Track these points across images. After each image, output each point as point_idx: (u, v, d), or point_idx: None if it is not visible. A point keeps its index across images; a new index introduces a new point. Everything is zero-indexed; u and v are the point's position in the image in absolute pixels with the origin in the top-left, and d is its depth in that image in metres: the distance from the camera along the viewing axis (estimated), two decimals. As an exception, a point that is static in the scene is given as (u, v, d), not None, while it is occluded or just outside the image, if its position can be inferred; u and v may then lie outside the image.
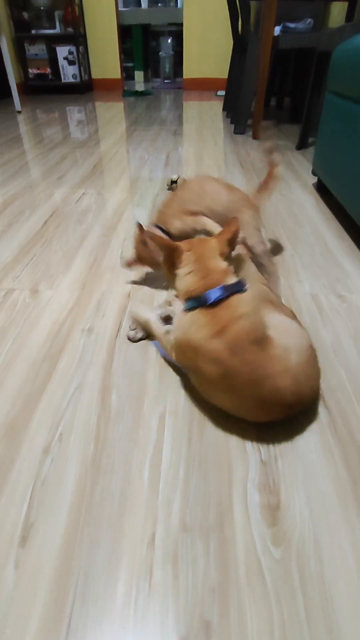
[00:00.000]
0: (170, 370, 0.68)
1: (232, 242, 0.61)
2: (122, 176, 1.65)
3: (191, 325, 0.55)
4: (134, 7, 5.03)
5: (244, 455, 0.54)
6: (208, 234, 0.78)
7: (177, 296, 0.64)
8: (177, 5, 4.99)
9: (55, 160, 1.89)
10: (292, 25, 3.29)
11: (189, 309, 0.57)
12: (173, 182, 1.46)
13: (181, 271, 0.60)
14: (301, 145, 2.07)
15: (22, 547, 0.44)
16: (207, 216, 0.79)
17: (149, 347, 0.73)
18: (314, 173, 1.54)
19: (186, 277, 0.59)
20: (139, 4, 5.03)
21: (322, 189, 1.50)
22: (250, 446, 0.55)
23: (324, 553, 0.43)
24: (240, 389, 0.51)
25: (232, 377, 0.51)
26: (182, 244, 0.61)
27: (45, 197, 1.45)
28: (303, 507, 0.48)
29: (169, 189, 1.49)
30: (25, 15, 3.96)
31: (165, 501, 0.48)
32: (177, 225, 0.80)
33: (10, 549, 0.44)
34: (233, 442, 0.56)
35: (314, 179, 1.62)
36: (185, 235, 0.78)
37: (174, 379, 0.66)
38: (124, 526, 0.46)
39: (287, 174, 1.68)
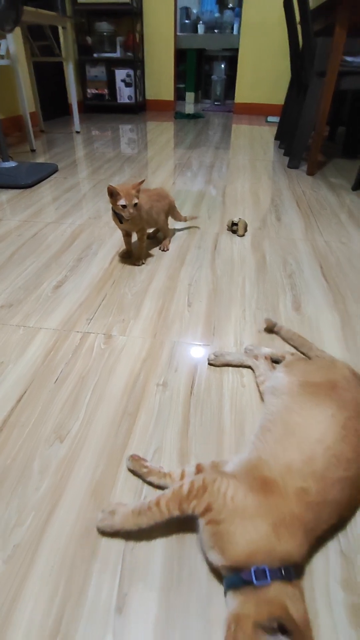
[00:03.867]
0: (245, 437, 0.70)
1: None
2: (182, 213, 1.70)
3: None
4: (190, 32, 5.18)
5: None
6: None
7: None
8: (232, 32, 5.10)
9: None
10: (350, 59, 3.30)
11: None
12: (234, 223, 1.49)
13: None
14: (358, 186, 2.07)
15: (118, 615, 0.47)
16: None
17: (223, 410, 0.76)
18: (374, 221, 1.53)
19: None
20: (196, 30, 5.17)
21: (382, 239, 1.49)
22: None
23: None
24: None
25: None
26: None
27: (109, 230, 1.52)
28: (388, 611, 0.49)
29: (229, 230, 1.52)
30: (89, 39, 4.16)
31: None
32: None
33: (108, 618, 0.47)
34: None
35: (373, 226, 1.61)
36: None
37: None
38: (212, 603, 0.48)
39: (344, 218, 1.68)
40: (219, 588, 0.50)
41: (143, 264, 1.28)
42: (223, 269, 1.26)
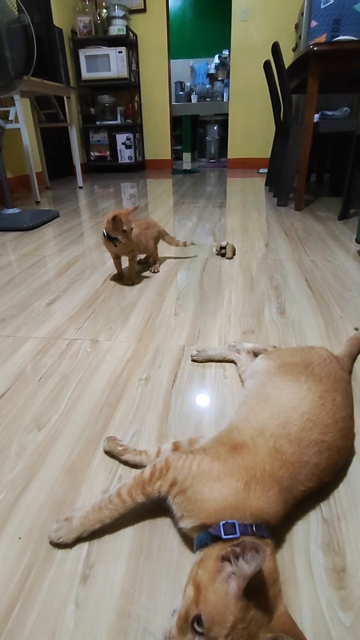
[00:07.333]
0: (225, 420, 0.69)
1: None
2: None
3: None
4: (184, 102, 5.70)
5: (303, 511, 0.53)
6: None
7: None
8: (223, 100, 5.61)
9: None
10: (329, 113, 3.60)
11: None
12: (222, 247, 1.55)
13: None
14: (343, 216, 2.16)
15: (83, 585, 0.45)
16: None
17: (204, 398, 0.75)
18: (357, 241, 1.59)
19: None
20: (190, 100, 5.69)
21: (367, 256, 1.53)
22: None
23: None
24: None
25: None
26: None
27: (103, 259, 1.59)
28: (372, 571, 0.45)
29: (217, 254, 1.58)
30: (92, 110, 4.59)
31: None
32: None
33: (72, 587, 0.45)
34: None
35: (358, 247, 1.66)
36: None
37: (229, 431, 0.66)
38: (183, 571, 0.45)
39: (330, 242, 1.74)
40: (191, 557, 0.48)
41: (134, 284, 1.32)
42: (211, 285, 1.30)
